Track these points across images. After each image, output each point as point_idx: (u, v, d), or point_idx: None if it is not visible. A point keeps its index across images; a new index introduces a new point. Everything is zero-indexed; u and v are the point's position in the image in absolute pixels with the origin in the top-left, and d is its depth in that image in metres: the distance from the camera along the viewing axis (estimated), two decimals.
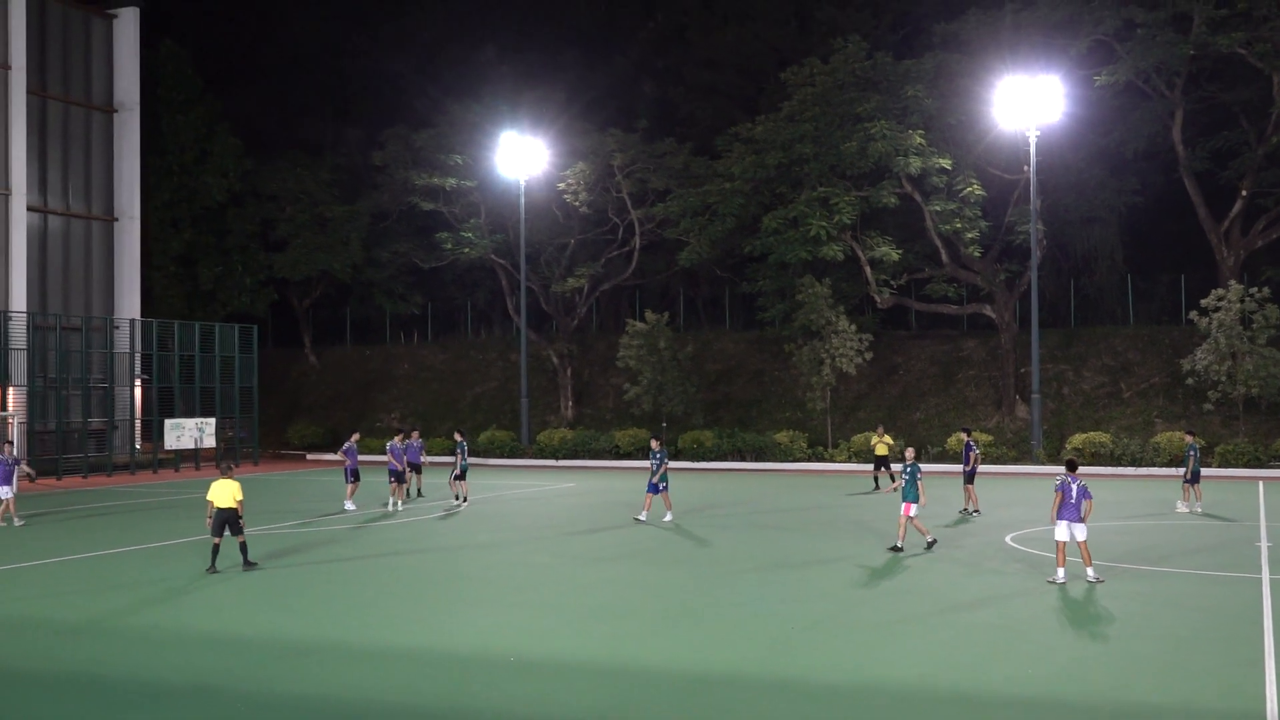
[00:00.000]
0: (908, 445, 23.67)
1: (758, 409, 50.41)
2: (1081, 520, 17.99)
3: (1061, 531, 18.03)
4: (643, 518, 26.32)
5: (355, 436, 31.72)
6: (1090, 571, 17.95)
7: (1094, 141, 46.37)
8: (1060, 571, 17.92)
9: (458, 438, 31.36)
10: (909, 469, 21.38)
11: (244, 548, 19.68)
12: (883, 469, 33.97)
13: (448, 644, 14.15)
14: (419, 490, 32.95)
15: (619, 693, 12.05)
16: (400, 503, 29.77)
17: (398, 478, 29.57)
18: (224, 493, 19.20)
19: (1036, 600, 16.64)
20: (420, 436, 34.15)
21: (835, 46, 47.69)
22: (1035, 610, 15.92)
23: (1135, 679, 12.38)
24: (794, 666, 12.99)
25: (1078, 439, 41.56)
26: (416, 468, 32.40)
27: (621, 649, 13.86)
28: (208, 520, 19.38)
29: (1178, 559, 20.36)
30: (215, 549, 19.46)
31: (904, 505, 21.24)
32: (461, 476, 30.81)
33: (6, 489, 26.63)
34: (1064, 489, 18.22)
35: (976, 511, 27.42)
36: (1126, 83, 43.83)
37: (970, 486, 27.72)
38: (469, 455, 32.93)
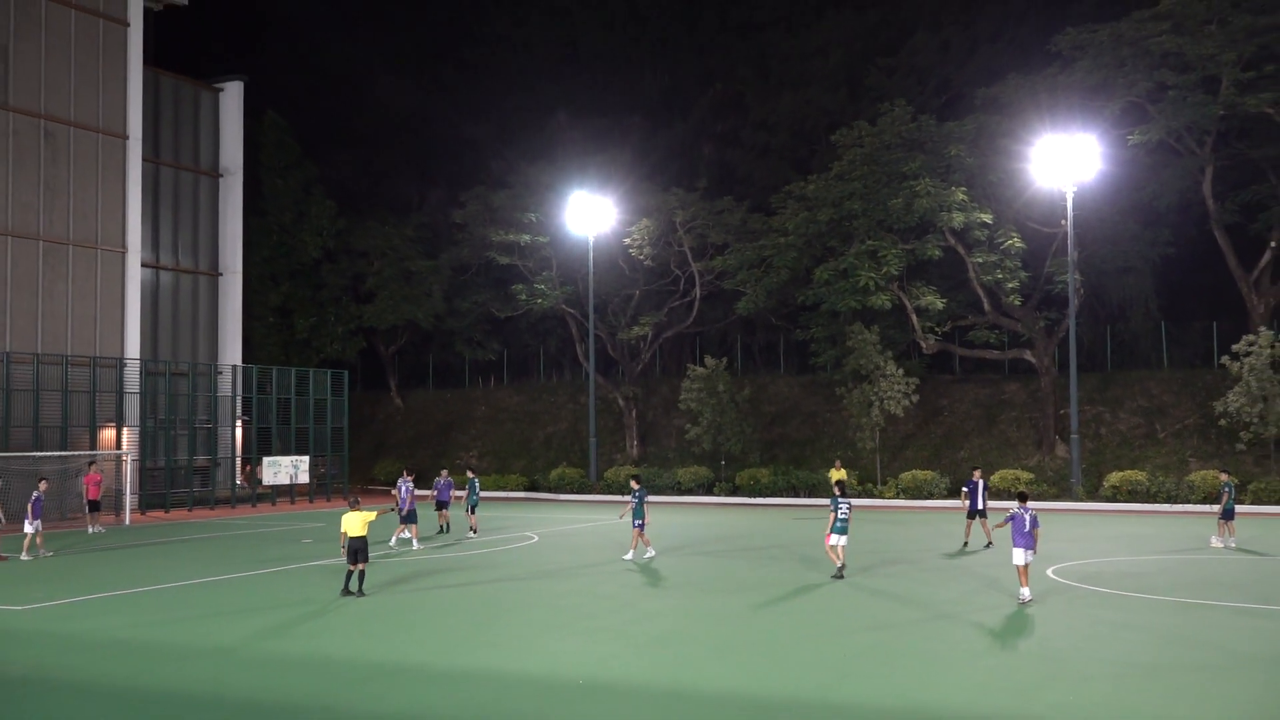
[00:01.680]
0: (838, 479, 23.85)
1: (811, 448, 50.06)
2: (1034, 547, 18.80)
3: (1019, 557, 18.72)
4: (629, 558, 25.32)
5: (411, 476, 31.54)
6: (1025, 592, 18.71)
7: (1128, 196, 45.78)
8: (1025, 590, 18.71)
9: (469, 475, 31.73)
10: (835, 502, 21.69)
11: (362, 576, 19.72)
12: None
13: (521, 667, 14.11)
14: (446, 526, 31.83)
15: (681, 716, 11.94)
16: (414, 539, 28.22)
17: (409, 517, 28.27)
18: (355, 522, 19.49)
19: (1078, 630, 16.29)
20: (450, 475, 33.44)
21: (882, 110, 47.62)
22: (1076, 640, 15.58)
23: (1173, 707, 12.06)
24: (849, 693, 12.81)
25: (1115, 477, 40.80)
26: (444, 505, 31.78)
27: (684, 674, 13.74)
28: (341, 549, 19.70)
29: (1214, 592, 19.85)
30: (349, 575, 19.72)
31: (829, 535, 21.58)
32: (472, 510, 30.96)
33: (35, 524, 26.34)
34: (1016, 519, 18.85)
35: (985, 545, 27.26)
36: (1159, 141, 43.31)
37: (984, 521, 27.58)
38: (480, 491, 32.44)
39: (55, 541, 30.05)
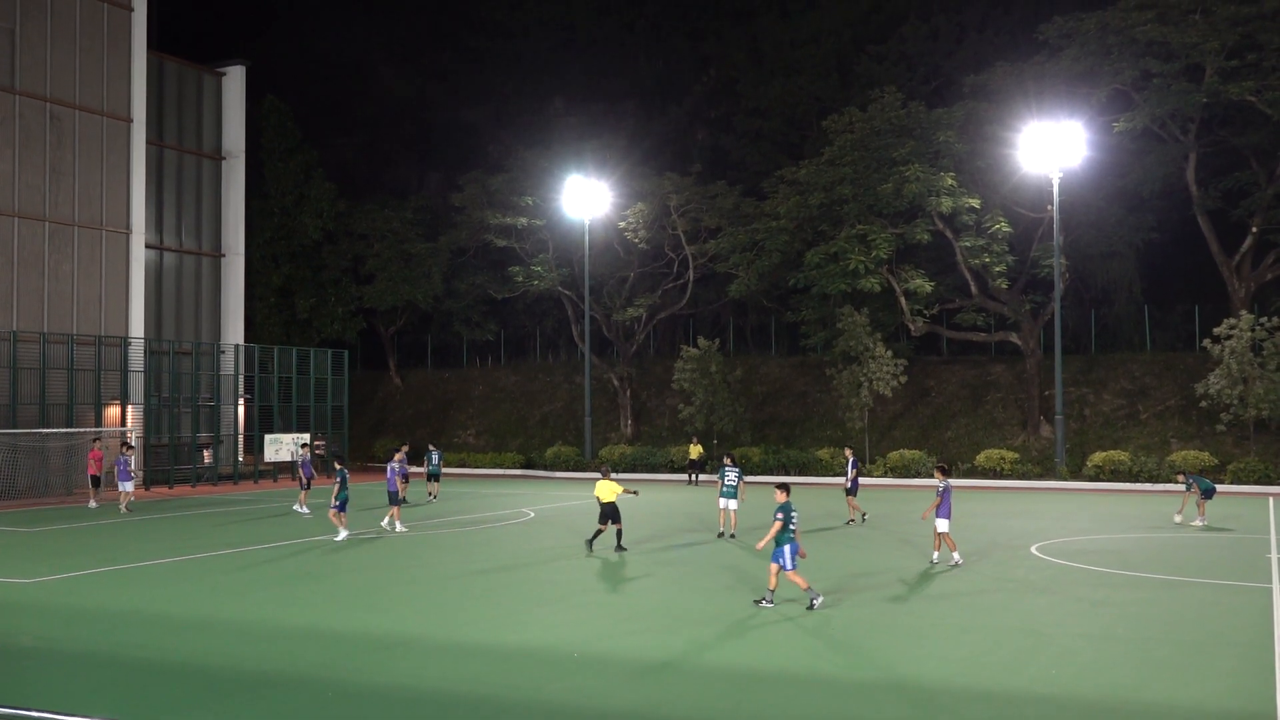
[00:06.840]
0: (728, 452, 26.61)
1: (801, 428, 50.14)
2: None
3: (943, 525, 20.12)
4: (341, 538, 24.12)
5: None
6: (951, 555, 20.29)
7: (1113, 182, 45.81)
8: (948, 554, 20.30)
9: (430, 449, 36.41)
10: (721, 472, 24.57)
11: (620, 534, 22.33)
12: (694, 469, 43.18)
13: (518, 640, 14.17)
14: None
15: (672, 687, 12.00)
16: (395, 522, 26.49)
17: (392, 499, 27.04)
18: (607, 490, 22.02)
19: (1060, 605, 16.39)
20: (309, 453, 34.61)
21: (873, 97, 47.56)
22: (1058, 615, 15.68)
23: (1153, 680, 12.15)
24: (834, 666, 12.89)
25: (1098, 457, 40.94)
26: (308, 481, 31.99)
27: (675, 647, 13.79)
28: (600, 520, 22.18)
29: (1193, 569, 19.97)
30: (597, 534, 22.39)
31: (720, 500, 24.49)
32: (430, 479, 35.56)
33: (129, 484, 30.81)
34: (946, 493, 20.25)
35: (857, 519, 27.69)
36: (1143, 128, 43.32)
37: (852, 499, 27.90)
38: (435, 466, 36.02)
39: (59, 517, 30.07)
